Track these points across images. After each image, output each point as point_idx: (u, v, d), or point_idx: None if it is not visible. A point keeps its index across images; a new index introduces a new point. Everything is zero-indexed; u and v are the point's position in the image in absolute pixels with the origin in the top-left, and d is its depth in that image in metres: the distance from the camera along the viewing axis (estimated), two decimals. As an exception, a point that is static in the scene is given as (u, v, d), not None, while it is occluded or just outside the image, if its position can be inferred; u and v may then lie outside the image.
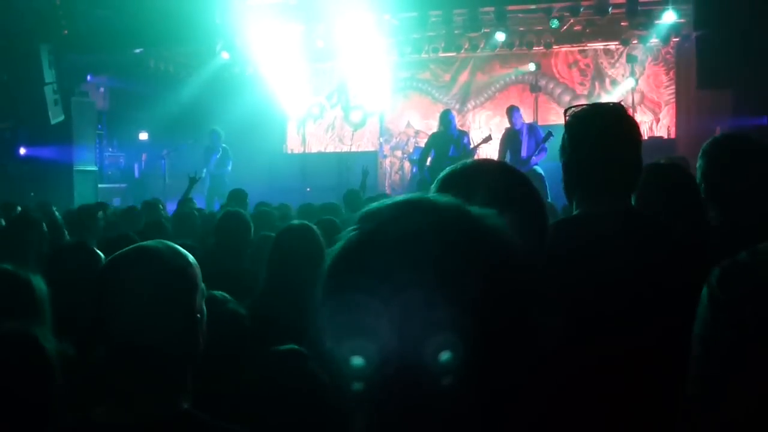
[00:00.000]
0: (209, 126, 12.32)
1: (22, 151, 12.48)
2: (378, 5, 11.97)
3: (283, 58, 14.10)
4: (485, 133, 11.60)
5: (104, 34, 11.81)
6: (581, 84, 14.64)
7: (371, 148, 15.44)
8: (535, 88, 14.33)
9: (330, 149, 15.98)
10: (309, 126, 16.25)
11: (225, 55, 13.63)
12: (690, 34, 11.90)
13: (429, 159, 10.25)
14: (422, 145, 11.45)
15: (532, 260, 0.84)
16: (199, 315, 1.58)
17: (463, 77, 15.18)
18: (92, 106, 13.73)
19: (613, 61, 14.41)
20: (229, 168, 12.01)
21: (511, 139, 10.38)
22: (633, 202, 2.18)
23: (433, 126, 12.50)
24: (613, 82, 14.38)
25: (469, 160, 1.62)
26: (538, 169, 9.93)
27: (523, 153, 10.17)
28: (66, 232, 5.32)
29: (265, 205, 6.99)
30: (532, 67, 14.32)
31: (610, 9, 11.68)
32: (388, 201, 0.85)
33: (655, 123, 14.17)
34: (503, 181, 1.52)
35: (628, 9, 11.62)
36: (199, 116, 13.42)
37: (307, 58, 14.56)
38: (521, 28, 13.60)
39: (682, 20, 11.90)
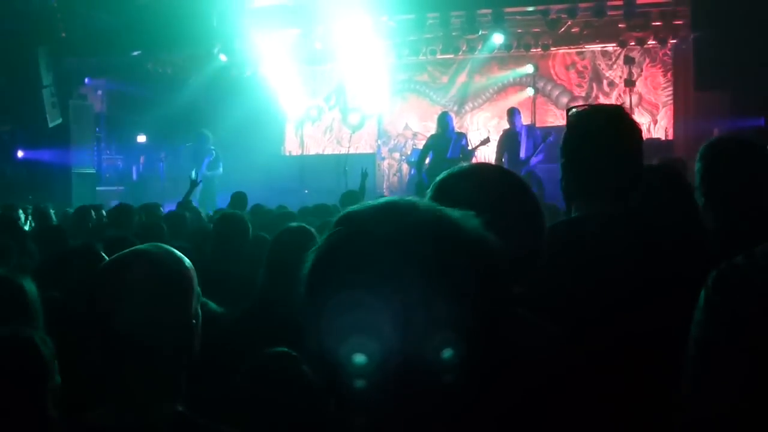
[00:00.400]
0: (208, 128, 12.31)
1: (20, 154, 12.48)
2: (375, 7, 11.99)
3: (280, 60, 14.12)
4: (483, 135, 11.63)
5: (102, 37, 11.82)
6: (579, 86, 14.66)
7: (369, 150, 15.45)
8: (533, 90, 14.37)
9: (328, 151, 15.99)
10: (307, 128, 16.25)
11: (223, 58, 13.65)
12: (688, 36, 11.94)
13: (427, 161, 10.26)
14: (420, 147, 11.46)
15: (507, 260, 0.84)
16: (194, 320, 1.58)
17: (461, 79, 15.20)
18: (90, 109, 13.74)
19: (610, 62, 14.43)
20: (221, 170, 12.01)
21: (509, 140, 10.40)
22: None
23: (431, 128, 12.50)
24: (611, 84, 14.42)
25: (466, 164, 1.62)
26: (537, 170, 9.95)
27: (522, 154, 10.19)
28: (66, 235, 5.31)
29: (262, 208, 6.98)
30: (529, 68, 14.34)
31: (607, 11, 11.71)
32: (367, 204, 0.85)
33: (653, 124, 14.19)
34: (500, 184, 1.52)
35: (626, 11, 11.64)
36: (197, 119, 13.42)
37: (304, 60, 14.58)
38: (519, 30, 13.62)
39: (679, 22, 11.95)
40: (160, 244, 1.65)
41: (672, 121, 13.99)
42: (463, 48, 14.06)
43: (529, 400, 1.29)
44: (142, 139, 15.41)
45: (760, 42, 8.48)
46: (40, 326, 2.14)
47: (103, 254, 3.08)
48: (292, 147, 16.35)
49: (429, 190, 1.52)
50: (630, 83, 12.82)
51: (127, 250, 1.63)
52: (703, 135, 10.97)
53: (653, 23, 12.74)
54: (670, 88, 14.06)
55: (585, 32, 13.63)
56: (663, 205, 2.52)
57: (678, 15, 12.29)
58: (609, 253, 1.94)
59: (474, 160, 10.35)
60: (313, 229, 3.27)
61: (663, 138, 13.74)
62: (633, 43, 13.42)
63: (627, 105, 11.98)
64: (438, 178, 1.54)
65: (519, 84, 14.84)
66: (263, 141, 15.00)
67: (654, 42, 13.33)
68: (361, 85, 15.03)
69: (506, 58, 14.55)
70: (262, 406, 2.13)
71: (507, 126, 10.67)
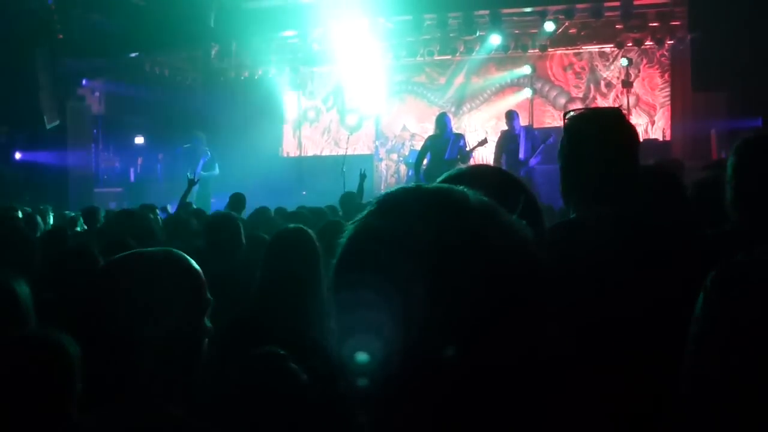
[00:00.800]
0: (206, 130, 12.32)
1: (18, 155, 12.47)
2: (373, 9, 12.00)
3: (278, 61, 14.12)
4: (481, 136, 11.62)
5: (100, 39, 11.82)
6: (576, 87, 14.68)
7: (367, 152, 15.45)
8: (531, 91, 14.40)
9: (326, 152, 15.99)
10: (305, 129, 16.26)
11: (220, 59, 13.64)
12: (685, 36, 11.96)
13: (425, 162, 10.26)
14: (418, 148, 11.46)
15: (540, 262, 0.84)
16: (201, 325, 1.57)
17: (459, 80, 15.21)
18: (88, 111, 13.72)
19: (608, 63, 14.45)
20: (217, 171, 12.03)
21: (507, 141, 10.41)
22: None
23: (428, 129, 12.51)
24: (608, 85, 14.43)
25: (465, 166, 1.62)
26: (536, 172, 9.97)
27: (521, 155, 10.20)
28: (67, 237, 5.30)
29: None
30: (527, 69, 14.35)
31: (604, 12, 11.74)
32: (411, 191, 0.83)
33: (650, 125, 14.21)
34: (499, 186, 1.52)
35: (623, 11, 11.66)
36: (195, 120, 13.42)
37: (302, 61, 14.59)
38: (516, 31, 13.63)
39: (677, 22, 11.97)
40: (168, 248, 1.65)
41: (669, 122, 14.01)
42: (461, 49, 14.07)
43: (530, 400, 1.29)
44: (139, 140, 15.41)
45: (757, 42, 8.50)
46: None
47: (99, 256, 3.09)
48: (289, 148, 16.36)
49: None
50: (627, 84, 12.85)
51: (127, 252, 1.62)
52: (701, 135, 11.01)
53: (650, 24, 12.76)
54: (668, 89, 14.08)
55: (582, 33, 13.65)
56: (659, 206, 2.53)
57: (675, 16, 12.32)
58: (607, 253, 1.95)
59: (472, 161, 10.36)
60: (310, 231, 3.26)
61: (660, 139, 13.76)
62: (630, 44, 13.44)
63: (624, 106, 12.01)
64: (437, 181, 1.54)
65: (516, 85, 14.86)
66: (261, 142, 14.99)
67: (651, 43, 13.35)
68: (359, 86, 15.03)
69: (504, 59, 14.56)
70: (250, 404, 2.13)
71: (505, 127, 10.68)
